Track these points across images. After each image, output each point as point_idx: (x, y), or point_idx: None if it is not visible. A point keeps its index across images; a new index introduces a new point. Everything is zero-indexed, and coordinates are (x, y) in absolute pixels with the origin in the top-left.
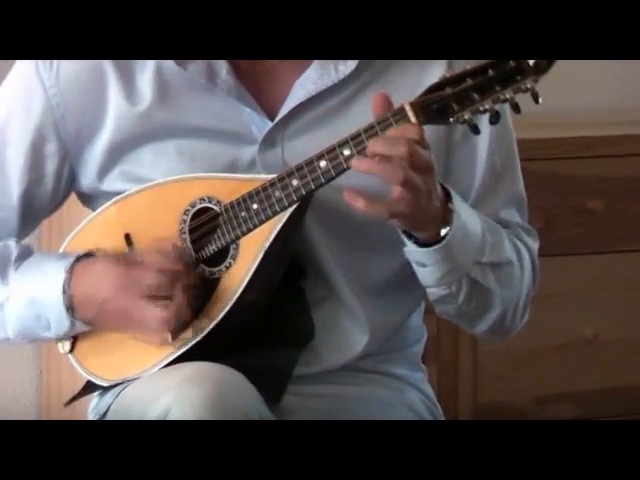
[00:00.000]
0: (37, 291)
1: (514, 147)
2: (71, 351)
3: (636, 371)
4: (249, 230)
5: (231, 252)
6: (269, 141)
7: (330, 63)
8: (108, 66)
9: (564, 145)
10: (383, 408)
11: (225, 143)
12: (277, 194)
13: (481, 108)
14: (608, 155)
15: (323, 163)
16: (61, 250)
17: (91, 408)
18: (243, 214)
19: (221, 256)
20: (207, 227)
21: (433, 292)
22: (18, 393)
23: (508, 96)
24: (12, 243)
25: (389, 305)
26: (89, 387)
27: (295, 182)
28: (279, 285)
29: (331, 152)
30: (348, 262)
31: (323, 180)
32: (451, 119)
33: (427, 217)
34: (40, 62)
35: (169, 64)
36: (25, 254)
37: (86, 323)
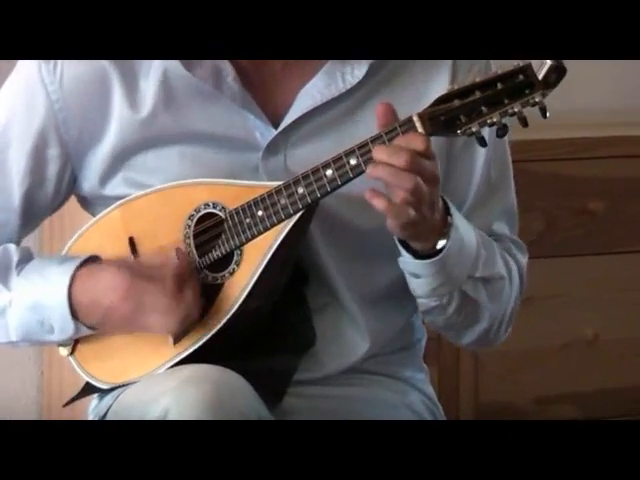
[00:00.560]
0: (40, 296)
1: (509, 159)
2: (72, 353)
3: (636, 371)
4: (254, 236)
5: (235, 258)
6: (272, 148)
7: (337, 72)
8: (112, 70)
9: (565, 146)
10: (384, 409)
11: (229, 150)
12: (283, 201)
13: (489, 121)
14: (609, 156)
15: (329, 172)
16: (63, 253)
17: (91, 409)
18: (248, 220)
19: (225, 262)
20: (211, 233)
21: (424, 303)
22: (19, 393)
23: (516, 109)
24: (12, 247)
25: (390, 311)
26: (88, 389)
27: (301, 190)
28: (282, 291)
29: (338, 161)
30: (350, 270)
31: (329, 188)
32: (459, 131)
33: (427, 228)
34: (43, 65)
35: (175, 69)
36: (26, 258)
37: (90, 327)
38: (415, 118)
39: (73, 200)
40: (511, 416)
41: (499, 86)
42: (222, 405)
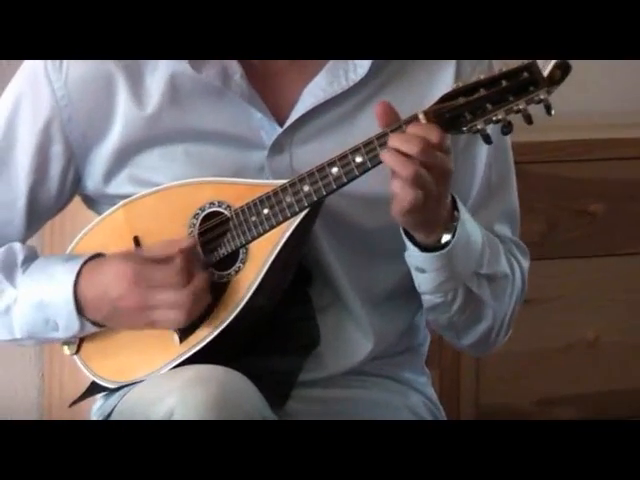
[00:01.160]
0: (46, 294)
1: (511, 161)
2: (77, 352)
3: (638, 374)
4: (259, 235)
5: (240, 256)
6: (277, 147)
7: (340, 70)
8: (117, 69)
9: (566, 148)
10: (385, 411)
11: (234, 148)
12: (288, 199)
13: (494, 118)
14: (609, 158)
15: (335, 169)
16: (68, 252)
17: (95, 409)
18: (253, 219)
19: (230, 260)
20: (217, 231)
21: (428, 299)
22: (20, 395)
23: (521, 107)
24: (18, 245)
25: (394, 312)
26: (94, 389)
27: (306, 188)
28: (286, 290)
29: (343, 158)
30: (355, 269)
31: (335, 186)
32: (464, 128)
33: (434, 221)
34: (49, 63)
35: (181, 68)
36: (32, 256)
37: (96, 324)
38: (421, 115)
39: (74, 202)
40: (512, 418)
41: (504, 83)
42: (227, 406)
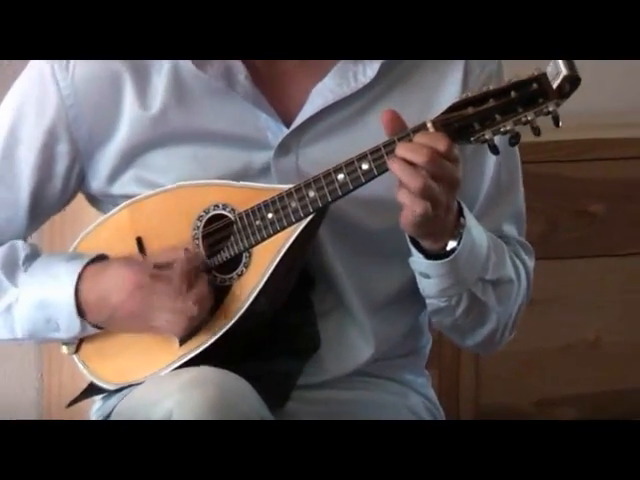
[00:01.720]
0: (47, 293)
1: (518, 162)
2: (76, 352)
3: (638, 374)
4: (263, 239)
5: (244, 260)
6: (284, 148)
7: (349, 72)
8: (124, 68)
9: (566, 148)
10: (385, 411)
11: (239, 148)
12: (293, 204)
13: (502, 129)
14: (610, 158)
15: (341, 176)
16: (70, 250)
17: (95, 410)
18: (258, 223)
19: (233, 264)
20: (220, 234)
21: (432, 303)
22: (19, 396)
23: (529, 118)
24: (20, 243)
25: (396, 315)
26: (91, 390)
27: (312, 193)
28: (289, 295)
29: (349, 165)
30: (358, 274)
31: (340, 193)
32: (472, 138)
33: (441, 229)
34: (56, 62)
35: (186, 67)
36: (34, 254)
37: (96, 326)
38: (429, 124)
39: (75, 200)
40: (512, 418)
41: (513, 94)
42: (225, 408)
